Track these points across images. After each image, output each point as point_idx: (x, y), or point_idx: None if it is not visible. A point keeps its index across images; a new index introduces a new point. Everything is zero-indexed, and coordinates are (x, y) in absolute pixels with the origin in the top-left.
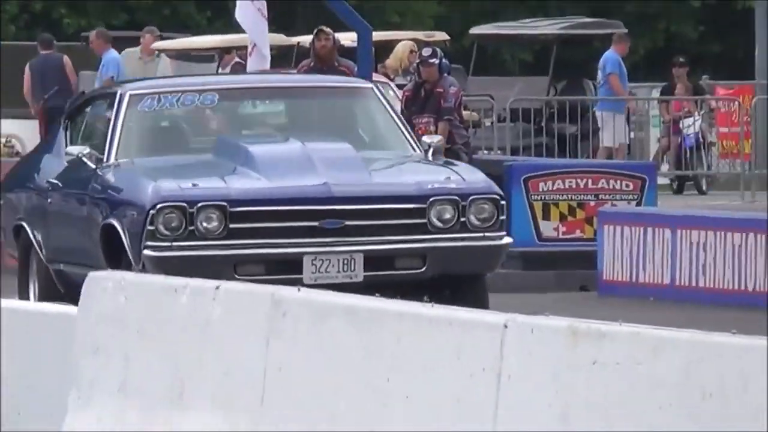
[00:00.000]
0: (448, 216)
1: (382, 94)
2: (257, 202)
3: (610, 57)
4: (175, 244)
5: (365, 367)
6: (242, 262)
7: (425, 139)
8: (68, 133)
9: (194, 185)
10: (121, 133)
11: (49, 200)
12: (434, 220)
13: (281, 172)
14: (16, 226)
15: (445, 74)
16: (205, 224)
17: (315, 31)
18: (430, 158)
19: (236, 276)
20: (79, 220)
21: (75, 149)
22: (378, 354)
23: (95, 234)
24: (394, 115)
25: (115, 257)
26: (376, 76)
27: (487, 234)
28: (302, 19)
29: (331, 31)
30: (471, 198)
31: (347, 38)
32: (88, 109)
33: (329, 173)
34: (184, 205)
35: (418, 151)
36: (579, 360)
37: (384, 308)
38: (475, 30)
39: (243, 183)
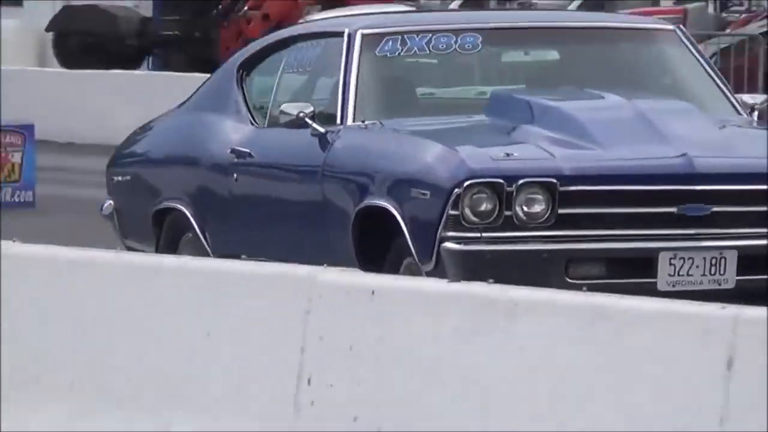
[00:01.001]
0: None
1: (688, 39)
2: (596, 179)
3: None
4: (485, 234)
5: None
6: (576, 259)
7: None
8: (244, 87)
9: (508, 155)
10: (357, 86)
11: (234, 176)
12: None
13: (618, 139)
14: (159, 211)
15: None
16: (526, 208)
17: None
18: (756, 122)
19: (567, 279)
20: (303, 202)
21: (293, 107)
22: None
23: (342, 221)
24: (706, 65)
25: (375, 251)
26: None
27: None
28: None
29: None
30: None
31: None
32: (283, 55)
33: (682, 142)
34: (501, 182)
35: (742, 113)
36: None
37: None
38: None
39: (573, 154)
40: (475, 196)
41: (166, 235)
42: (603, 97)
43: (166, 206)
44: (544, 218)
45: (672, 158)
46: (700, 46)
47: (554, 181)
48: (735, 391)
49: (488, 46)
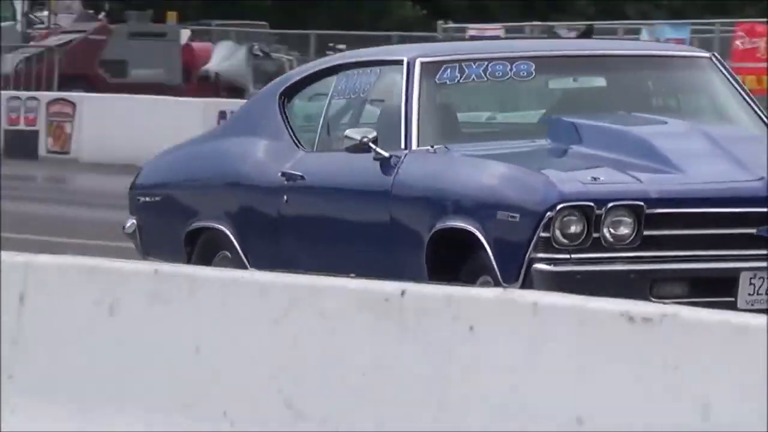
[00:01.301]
0: None
1: (723, 65)
2: (681, 202)
3: None
4: (574, 256)
5: None
6: (661, 279)
7: None
8: (287, 113)
9: (595, 179)
10: (419, 113)
11: (285, 198)
12: None
13: (693, 163)
14: (193, 231)
15: None
16: (613, 230)
17: None
18: None
19: (651, 298)
20: (367, 223)
21: (356, 132)
22: None
23: (413, 240)
24: (741, 91)
25: (447, 270)
26: None
27: None
28: None
29: None
30: None
31: None
32: (331, 82)
33: (755, 165)
34: (591, 205)
35: None
36: None
37: None
38: None
39: (658, 178)
40: (565, 219)
41: (200, 253)
42: (666, 122)
43: (201, 226)
44: (629, 240)
45: (752, 182)
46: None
47: (641, 204)
48: (25, 320)
49: (541, 73)
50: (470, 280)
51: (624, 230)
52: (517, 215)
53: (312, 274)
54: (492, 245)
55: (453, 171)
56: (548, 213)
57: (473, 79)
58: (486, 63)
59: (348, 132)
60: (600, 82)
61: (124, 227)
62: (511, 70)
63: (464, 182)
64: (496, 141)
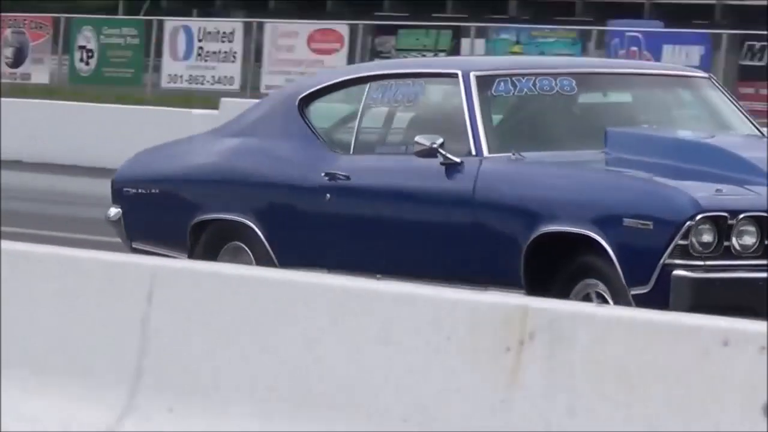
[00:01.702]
0: None
1: (720, 84)
2: None
3: None
4: (708, 263)
5: None
6: None
7: None
8: (310, 118)
9: (718, 191)
10: (483, 122)
11: (327, 196)
12: None
13: None
14: (201, 222)
15: None
16: (740, 240)
17: None
18: None
19: None
20: (441, 224)
21: (426, 139)
22: None
23: (507, 243)
24: (738, 108)
25: (542, 272)
26: None
27: None
28: None
29: None
30: None
31: None
32: (362, 91)
33: None
34: (725, 215)
35: None
36: None
37: None
38: None
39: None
40: (699, 228)
41: (207, 243)
42: (714, 135)
43: (212, 217)
44: (753, 249)
45: None
46: None
47: (765, 215)
48: None
49: (581, 89)
50: (569, 282)
51: (749, 240)
52: (650, 223)
53: None
54: (616, 250)
55: (560, 178)
56: (688, 222)
57: (525, 92)
58: (533, 78)
59: (417, 138)
60: (626, 98)
61: (108, 216)
62: (556, 84)
63: (580, 189)
64: (559, 150)
